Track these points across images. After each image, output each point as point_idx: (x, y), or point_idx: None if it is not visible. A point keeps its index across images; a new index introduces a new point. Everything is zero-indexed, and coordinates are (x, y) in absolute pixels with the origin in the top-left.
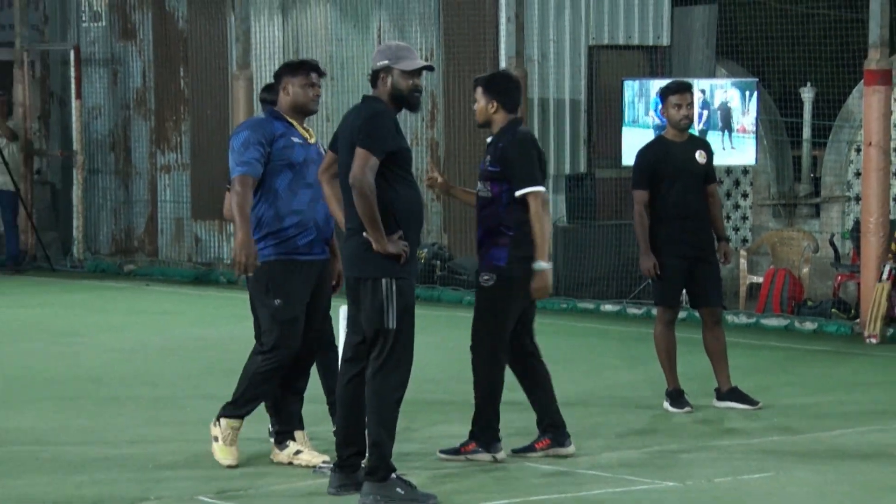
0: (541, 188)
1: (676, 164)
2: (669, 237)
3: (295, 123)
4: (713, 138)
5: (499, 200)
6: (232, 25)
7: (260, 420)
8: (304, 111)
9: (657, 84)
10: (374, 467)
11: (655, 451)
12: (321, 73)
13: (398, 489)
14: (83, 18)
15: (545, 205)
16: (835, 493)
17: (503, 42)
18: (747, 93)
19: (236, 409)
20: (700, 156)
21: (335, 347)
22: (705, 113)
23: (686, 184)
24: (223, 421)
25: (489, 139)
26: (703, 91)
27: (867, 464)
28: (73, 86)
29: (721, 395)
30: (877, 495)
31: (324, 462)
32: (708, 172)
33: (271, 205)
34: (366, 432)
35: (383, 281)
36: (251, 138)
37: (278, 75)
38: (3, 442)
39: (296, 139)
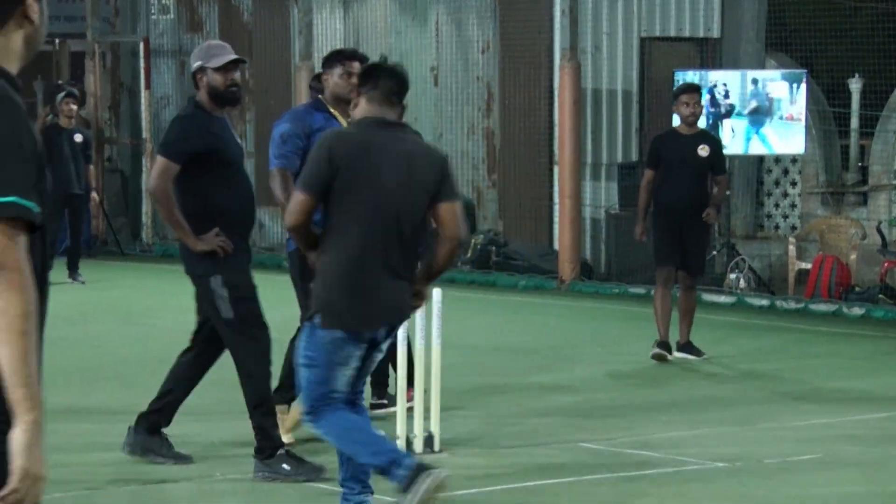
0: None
1: (679, 153)
2: (663, 210)
3: (337, 114)
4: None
5: None
6: (295, 18)
7: None
8: (344, 100)
9: (714, 76)
10: (261, 447)
11: (706, 433)
12: (360, 60)
13: (285, 464)
14: (152, 11)
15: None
16: (881, 475)
17: (557, 34)
18: (794, 85)
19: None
20: (702, 149)
21: None
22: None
23: (683, 171)
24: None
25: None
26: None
27: None
28: (142, 76)
29: (679, 348)
30: None
31: None
32: (714, 164)
33: None
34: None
35: (210, 279)
36: (290, 131)
37: (323, 64)
38: (75, 419)
39: None
